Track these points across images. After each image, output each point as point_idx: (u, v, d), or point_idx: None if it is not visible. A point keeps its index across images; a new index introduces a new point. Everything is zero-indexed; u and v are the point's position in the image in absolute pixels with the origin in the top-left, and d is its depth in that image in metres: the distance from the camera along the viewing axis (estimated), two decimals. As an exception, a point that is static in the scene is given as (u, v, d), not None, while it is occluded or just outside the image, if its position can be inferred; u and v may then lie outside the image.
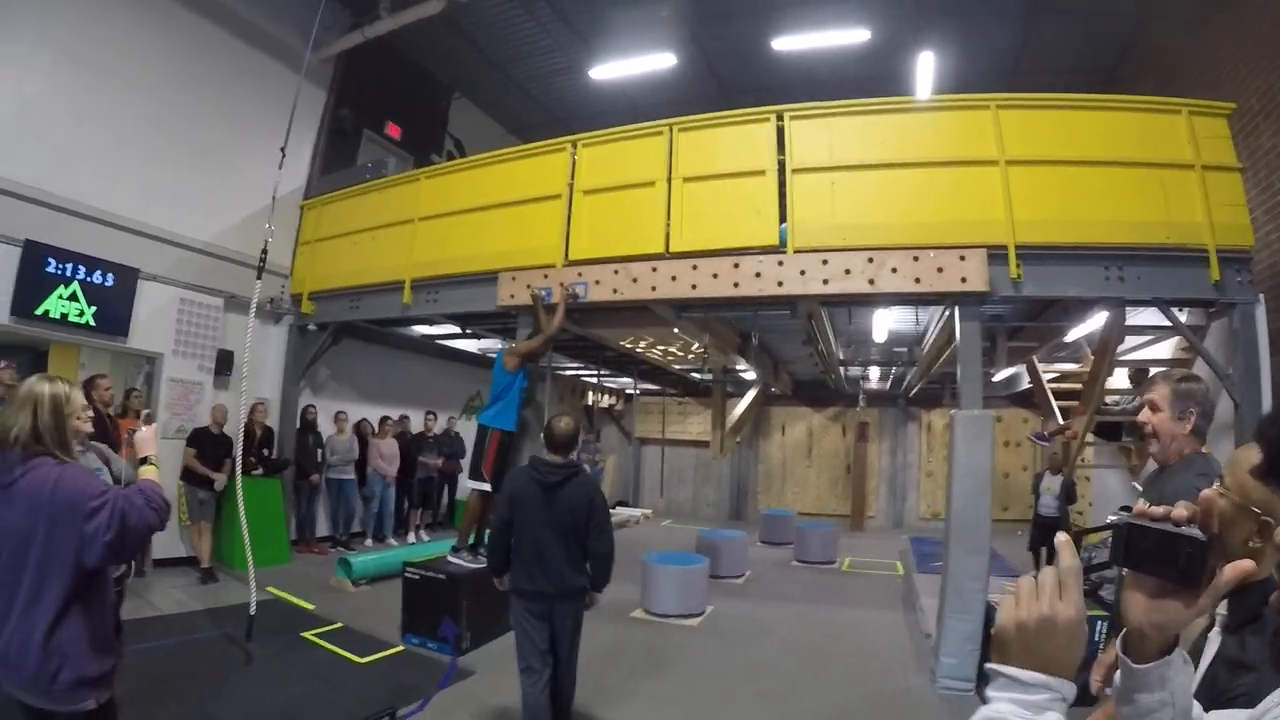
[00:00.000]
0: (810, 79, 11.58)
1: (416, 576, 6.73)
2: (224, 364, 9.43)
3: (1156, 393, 2.78)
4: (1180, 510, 1.06)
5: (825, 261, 6.61)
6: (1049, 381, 10.00)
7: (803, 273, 6.65)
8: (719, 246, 6.98)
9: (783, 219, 6.87)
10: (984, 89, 7.06)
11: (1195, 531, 1.04)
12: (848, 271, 6.54)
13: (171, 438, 8.61)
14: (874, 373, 16.14)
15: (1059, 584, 1.01)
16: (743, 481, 19.10)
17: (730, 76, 12.43)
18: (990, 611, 5.90)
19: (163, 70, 8.75)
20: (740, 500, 18.91)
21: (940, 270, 6.34)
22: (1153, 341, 8.20)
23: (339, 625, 7.04)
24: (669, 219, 7.21)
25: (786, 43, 11.05)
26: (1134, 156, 6.31)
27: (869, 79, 10.54)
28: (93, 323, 7.94)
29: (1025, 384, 11.47)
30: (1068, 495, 10.33)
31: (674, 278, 7.02)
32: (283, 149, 6.71)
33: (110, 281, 8.08)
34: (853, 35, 10.69)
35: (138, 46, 8.48)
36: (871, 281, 6.49)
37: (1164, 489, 2.54)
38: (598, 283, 7.33)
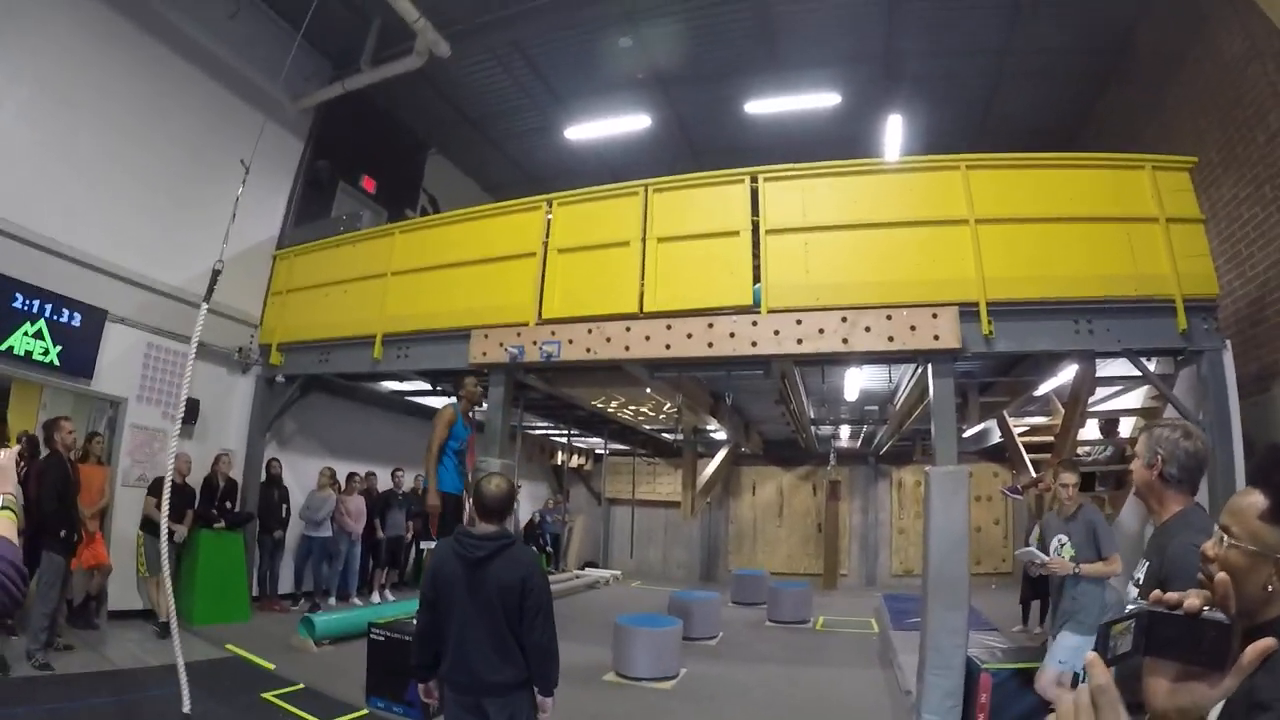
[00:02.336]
0: (783, 141, 11.80)
1: (382, 637, 6.48)
2: (189, 412, 9.16)
3: (1139, 441, 2.73)
4: (1193, 600, 1.05)
5: (799, 321, 6.66)
6: (1020, 435, 10.09)
7: (777, 333, 6.68)
8: (693, 307, 7.01)
9: (757, 279, 6.94)
10: (950, 150, 7.32)
11: (1219, 615, 1.04)
12: (821, 331, 6.59)
13: (132, 485, 8.38)
14: (844, 431, 16.20)
15: (1093, 705, 0.98)
16: (713, 542, 18.92)
17: (703, 138, 12.67)
18: (971, 666, 5.84)
19: (142, 111, 8.69)
20: (711, 561, 18.71)
21: (913, 328, 6.42)
22: (1123, 391, 8.34)
23: (300, 686, 6.72)
24: (643, 279, 7.24)
25: (759, 106, 11.30)
26: (1100, 212, 6.50)
27: (840, 140, 10.77)
28: (57, 362, 7.70)
29: (996, 438, 11.58)
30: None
31: (648, 337, 7.02)
32: (244, 162, 6.57)
33: (77, 321, 7.87)
34: (823, 99, 10.98)
35: (118, 86, 8.41)
36: (845, 341, 6.54)
37: (1165, 551, 2.45)
38: (571, 342, 7.30)
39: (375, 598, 11.26)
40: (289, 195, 10.91)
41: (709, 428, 12.63)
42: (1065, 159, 7.06)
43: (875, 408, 12.53)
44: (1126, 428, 8.50)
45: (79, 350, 7.94)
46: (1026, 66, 10.55)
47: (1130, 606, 1.04)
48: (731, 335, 6.78)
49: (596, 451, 18.85)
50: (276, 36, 10.11)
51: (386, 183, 12.49)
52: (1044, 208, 6.57)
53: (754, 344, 6.71)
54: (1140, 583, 2.50)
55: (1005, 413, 10.05)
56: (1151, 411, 7.67)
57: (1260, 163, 6.87)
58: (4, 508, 1.74)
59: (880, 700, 7.42)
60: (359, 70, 10.05)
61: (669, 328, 6.98)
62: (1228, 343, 6.25)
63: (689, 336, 6.90)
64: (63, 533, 6.60)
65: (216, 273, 6.01)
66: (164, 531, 6.06)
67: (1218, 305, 6.41)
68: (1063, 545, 5.16)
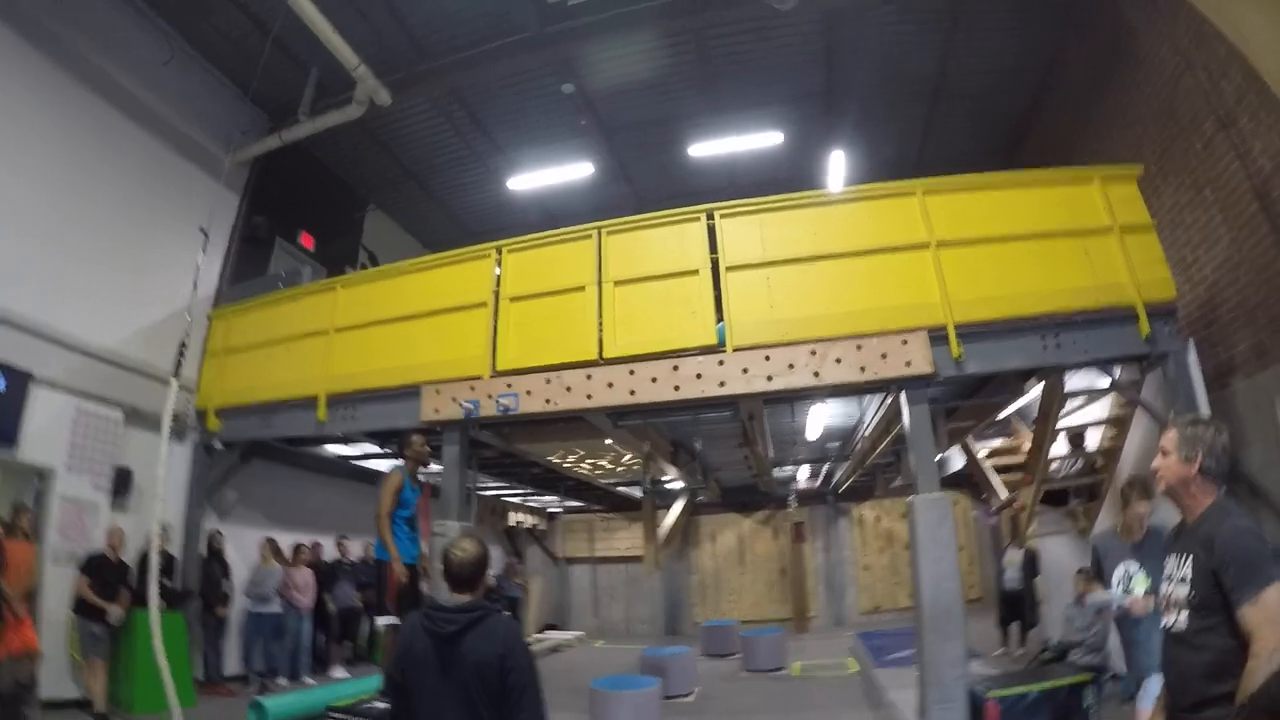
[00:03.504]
0: (728, 183, 11.87)
1: None
2: (122, 483, 8.49)
3: (1166, 438, 2.69)
4: None
5: (768, 358, 6.50)
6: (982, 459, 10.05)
7: (745, 370, 6.50)
8: (656, 350, 6.79)
9: (719, 318, 6.76)
10: (893, 179, 7.26)
11: None
12: (791, 366, 6.44)
13: (63, 563, 7.64)
14: (803, 472, 16.08)
15: None
16: (675, 594, 18.50)
17: (648, 185, 12.61)
18: (975, 696, 5.65)
19: (73, 163, 8.21)
20: (675, 614, 18.25)
21: (884, 356, 6.36)
22: (1088, 403, 8.34)
23: (254, 780, 6.15)
24: (601, 324, 7.00)
25: (702, 149, 11.29)
26: (1056, 227, 6.59)
27: (785, 180, 10.74)
28: None
29: (956, 465, 11.52)
30: (1031, 567, 10.31)
31: (610, 384, 6.76)
32: (203, 229, 6.16)
33: (0, 384, 7.26)
34: (767, 139, 11.02)
35: (49, 137, 7.96)
36: (816, 374, 6.40)
37: (1213, 541, 2.41)
38: (529, 393, 6.99)
39: (335, 673, 10.59)
40: (224, 252, 10.38)
41: (666, 478, 12.32)
42: (1016, 178, 7.14)
43: (837, 444, 12.41)
44: (1094, 440, 8.50)
45: (2, 416, 7.27)
46: (962, 90, 10.79)
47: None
48: (698, 376, 6.57)
49: (550, 510, 18.40)
50: (212, 88, 9.81)
51: (325, 239, 12.08)
52: (1001, 227, 6.66)
53: (722, 384, 6.50)
54: (1185, 579, 2.48)
55: (968, 438, 9.98)
56: (1120, 420, 7.74)
57: (1199, 168, 7.00)
58: None
59: (877, 744, 7.10)
60: (297, 120, 9.73)
61: (632, 373, 6.73)
62: (1191, 342, 6.34)
63: (654, 380, 6.66)
64: None
65: (184, 345, 5.57)
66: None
67: (1177, 308, 6.52)
68: (1132, 577, 4.63)
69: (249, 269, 10.53)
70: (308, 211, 11.85)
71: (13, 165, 7.60)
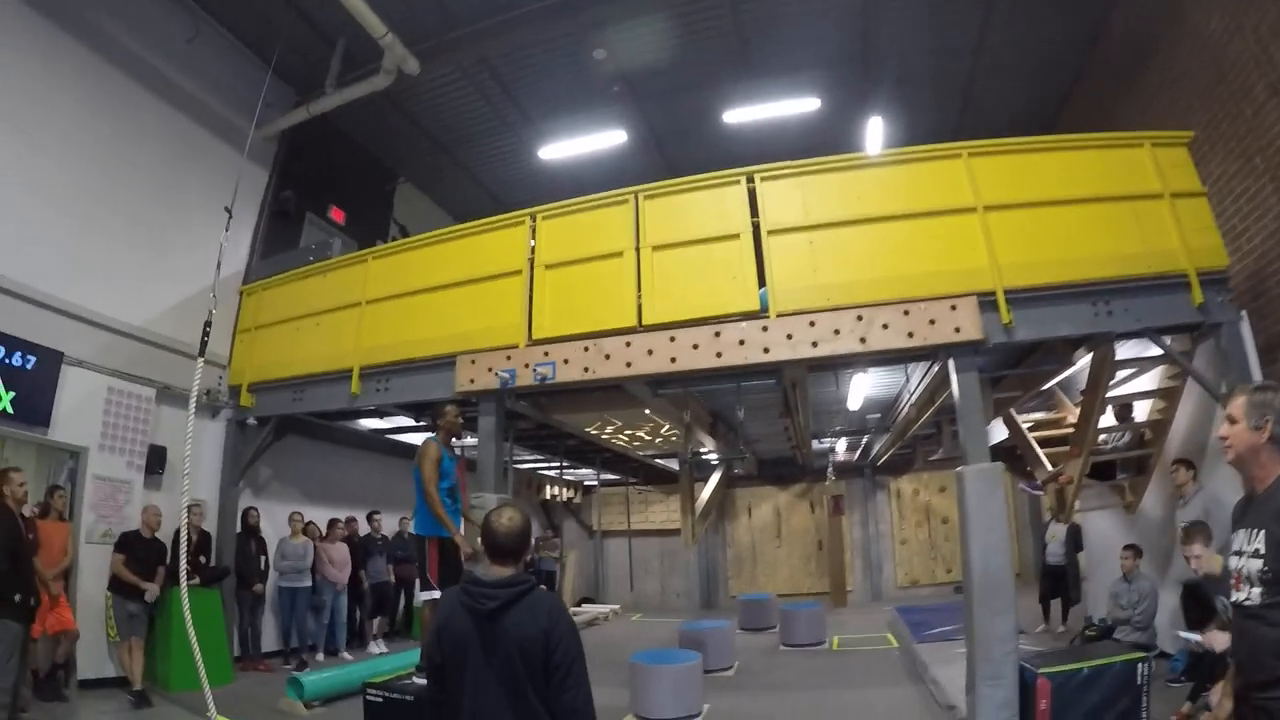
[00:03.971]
0: (761, 151, 11.35)
1: (379, 698, 5.85)
2: (155, 461, 8.51)
3: (1233, 405, 2.63)
4: None
5: (812, 324, 6.31)
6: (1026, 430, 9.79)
7: (790, 336, 6.31)
8: (696, 316, 6.61)
9: (761, 283, 6.57)
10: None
11: None
12: (837, 332, 6.25)
13: (97, 542, 7.66)
14: (841, 444, 15.88)
15: None
16: (712, 568, 18.48)
17: (680, 153, 12.34)
18: (1026, 673, 5.51)
19: (101, 141, 8.16)
20: (710, 587, 18.24)
21: (932, 322, 6.16)
22: (1136, 374, 8.06)
23: (294, 757, 6.12)
24: (640, 290, 6.83)
25: (737, 115, 11.02)
26: (1105, 191, 6.38)
27: (820, 147, 10.27)
28: (10, 410, 7.01)
29: (999, 438, 11.27)
30: (1075, 542, 10.15)
31: (650, 351, 6.59)
32: (228, 208, 6.06)
33: (31, 364, 7.21)
34: (804, 105, 10.73)
35: (76, 114, 7.90)
36: (863, 340, 6.21)
37: (1268, 518, 2.42)
38: (566, 362, 6.84)
39: (373, 648, 10.62)
40: (254, 228, 10.35)
41: (704, 450, 12.17)
42: (1065, 141, 6.91)
43: (878, 415, 12.18)
44: (1142, 412, 8.24)
45: (34, 396, 7.25)
46: (1002, 60, 10.46)
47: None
48: (741, 343, 6.39)
49: (586, 483, 18.34)
50: (237, 63, 9.71)
51: (355, 213, 12.00)
52: (1049, 191, 6.45)
53: (766, 350, 6.32)
54: (1258, 553, 2.42)
55: (1013, 409, 9.72)
56: (1170, 391, 7.50)
57: (1248, 136, 6.77)
58: None
59: (921, 719, 6.97)
60: (324, 93, 9.60)
61: (673, 340, 6.56)
62: (1244, 313, 6.18)
63: (695, 347, 6.48)
64: (17, 597, 5.79)
65: (208, 324, 5.44)
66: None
67: (1229, 277, 6.33)
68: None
69: (279, 244, 10.48)
70: (337, 186, 11.77)
71: (39, 145, 7.57)
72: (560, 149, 11.69)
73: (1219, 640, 4.23)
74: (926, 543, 17.72)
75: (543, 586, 2.87)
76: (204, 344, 5.47)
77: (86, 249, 7.98)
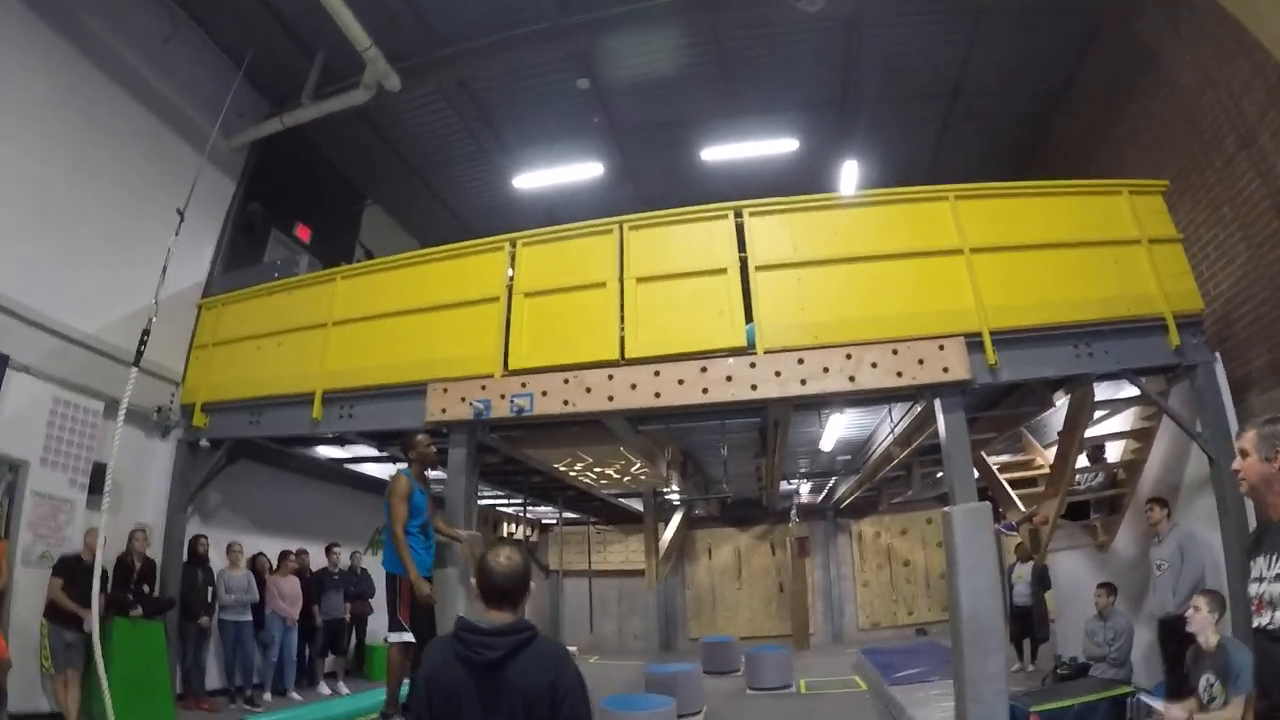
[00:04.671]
0: (737, 191, 11.50)
1: None
2: (100, 480, 7.94)
3: (1244, 439, 2.76)
4: None
5: (801, 361, 6.20)
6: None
7: (778, 374, 6.18)
8: (682, 350, 6.45)
9: (748, 319, 6.46)
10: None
11: None
12: (826, 370, 6.15)
13: (34, 564, 7.12)
14: (805, 487, 15.84)
15: None
16: (671, 609, 18.22)
17: (656, 189, 12.18)
18: (1016, 711, 5.54)
19: (63, 135, 7.73)
20: (670, 629, 17.96)
21: (921, 362, 6.14)
22: (1109, 415, 8.21)
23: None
24: (623, 322, 6.65)
25: (716, 152, 11.01)
26: (1085, 236, 6.55)
27: (794, 188, 10.39)
28: None
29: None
30: (1040, 581, 10.20)
31: (634, 385, 6.39)
32: (180, 210, 5.71)
33: None
34: (782, 145, 10.77)
35: (40, 104, 7.49)
36: (852, 379, 6.12)
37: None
38: (545, 394, 6.59)
39: (323, 688, 10.13)
40: (218, 239, 9.92)
41: (669, 490, 11.97)
42: (1047, 187, 7.06)
43: (848, 456, 12.12)
44: (1114, 452, 8.39)
45: (-27, 402, 6.78)
46: (976, 106, 10.64)
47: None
48: (728, 379, 6.23)
49: (543, 521, 17.99)
50: (213, 68, 9.37)
51: (321, 232, 11.61)
52: (1032, 235, 6.58)
53: (754, 387, 6.17)
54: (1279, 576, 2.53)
55: (983, 452, 9.73)
56: (1144, 431, 7.65)
57: (1217, 185, 7.06)
58: None
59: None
60: (300, 104, 9.32)
61: (657, 374, 6.38)
62: (1218, 354, 6.39)
63: (680, 382, 6.31)
64: None
65: (146, 332, 5.06)
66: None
67: (1204, 320, 6.54)
68: (1213, 685, 4.56)
69: (242, 258, 10.04)
70: (305, 203, 11.39)
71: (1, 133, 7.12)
72: (536, 178, 11.55)
73: (1176, 715, 4.59)
74: (888, 585, 17.69)
75: (545, 636, 2.59)
76: (140, 352, 5.13)
77: (41, 247, 7.49)
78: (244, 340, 8.62)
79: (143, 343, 5.14)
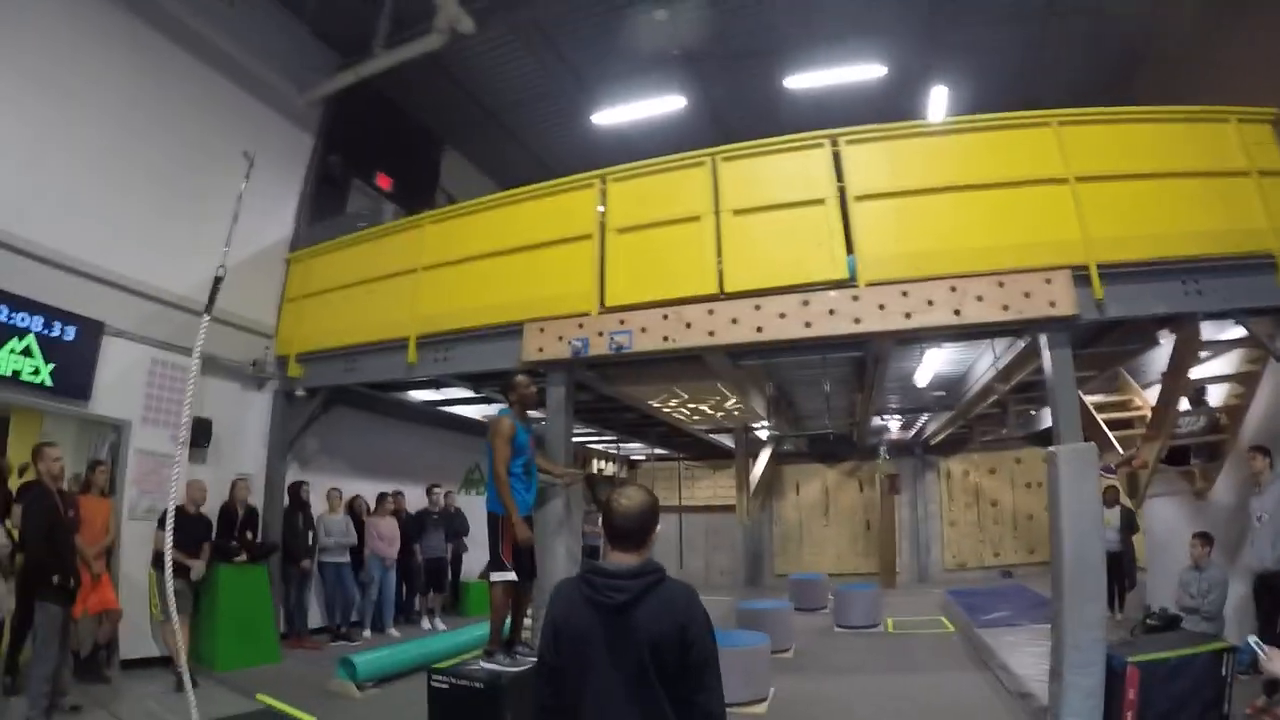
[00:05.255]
0: (822, 121, 11.12)
1: (445, 684, 5.43)
2: (201, 434, 8.33)
3: None
4: None
5: (905, 293, 6.03)
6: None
7: (882, 307, 6.03)
8: (782, 284, 6.34)
9: (849, 250, 6.28)
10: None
11: None
12: (931, 303, 5.97)
13: (140, 518, 7.54)
14: (894, 423, 15.61)
15: None
16: (757, 545, 18.20)
17: (737, 121, 11.87)
18: (1115, 661, 5.40)
19: (142, 107, 7.94)
20: (756, 565, 18.00)
21: (1027, 295, 5.90)
22: (1212, 357, 7.81)
23: (348, 742, 5.90)
24: (720, 256, 6.55)
25: (799, 81, 10.65)
26: (1191, 166, 6.15)
27: (881, 117, 10.10)
28: (50, 383, 6.86)
29: (1044, 424, 10.99)
30: (1129, 526, 9.98)
31: (735, 320, 6.32)
32: (247, 153, 5.77)
33: (71, 336, 7.03)
34: (868, 71, 10.32)
35: (116, 79, 7.67)
36: (957, 312, 5.93)
37: None
38: (644, 330, 6.58)
39: (425, 625, 10.56)
40: (300, 193, 10.12)
41: (760, 425, 11.92)
42: (1151, 113, 6.56)
43: (942, 393, 11.86)
44: (1216, 397, 8.04)
45: (74, 369, 7.09)
46: (1069, 29, 10.06)
47: None
48: (831, 313, 6.11)
49: (632, 458, 18.17)
50: (280, 25, 9.48)
51: (402, 180, 11.70)
52: (1137, 163, 6.19)
53: (857, 320, 6.04)
54: None
55: (1080, 391, 9.41)
56: (1249, 376, 7.36)
57: None
58: None
59: (994, 706, 6.82)
60: (373, 55, 9.28)
61: (758, 308, 6.29)
62: None
63: (781, 316, 6.21)
64: (55, 579, 5.66)
65: (218, 280, 5.15)
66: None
67: None
68: None
69: (325, 211, 10.26)
70: (384, 153, 11.49)
71: (78, 110, 7.34)
72: (615, 114, 11.35)
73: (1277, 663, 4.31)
74: (975, 525, 17.43)
75: (673, 577, 2.55)
76: (212, 299, 5.15)
77: (127, 217, 7.77)
78: (334, 290, 8.82)
79: (215, 289, 5.22)
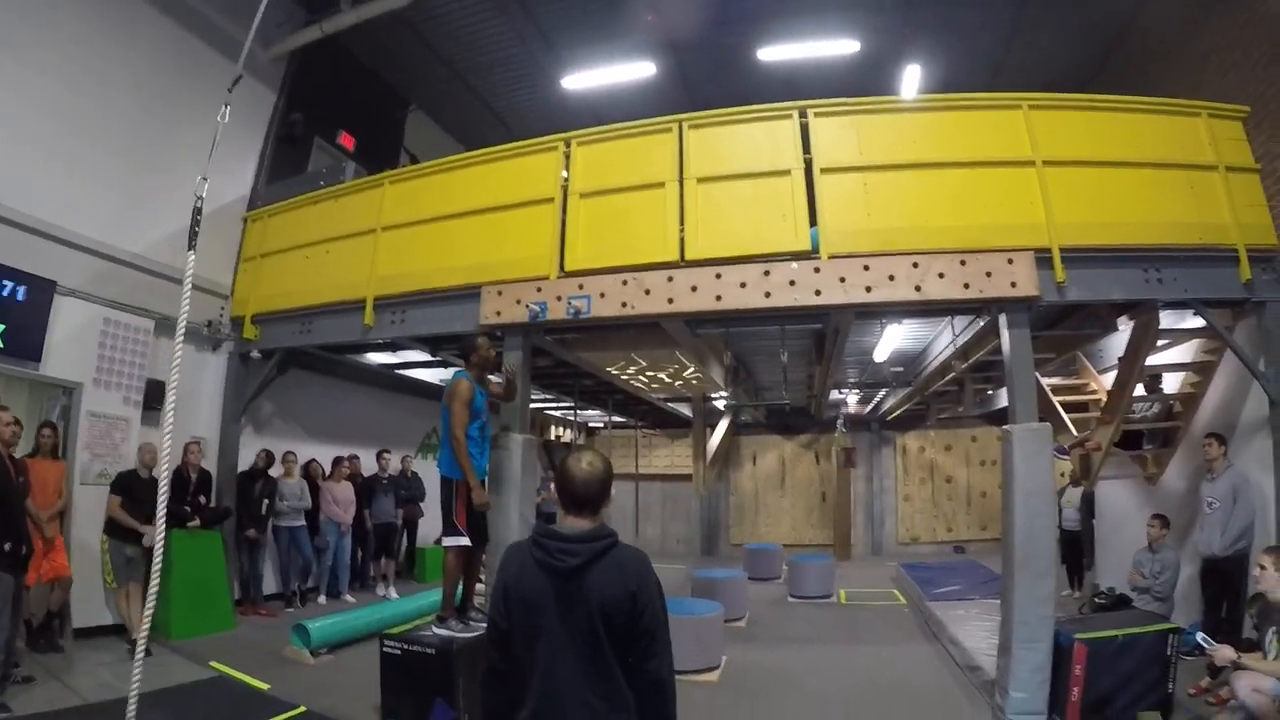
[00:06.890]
0: (794, 94, 11.03)
1: (397, 650, 5.49)
2: (154, 396, 8.07)
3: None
4: None
5: (866, 267, 6.01)
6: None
7: (843, 280, 6.00)
8: (744, 253, 6.27)
9: (812, 223, 6.23)
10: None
11: None
12: (891, 278, 5.96)
13: (92, 483, 7.34)
14: (852, 397, 15.73)
15: None
16: (713, 515, 18.41)
17: (709, 92, 11.72)
18: (1062, 638, 5.55)
19: (95, 56, 7.62)
20: (712, 534, 18.21)
21: (989, 274, 5.93)
22: (1169, 345, 7.97)
23: (301, 710, 5.81)
24: (683, 224, 6.46)
25: (773, 53, 10.55)
26: (1160, 157, 6.26)
27: (854, 93, 10.10)
28: (0, 344, 6.66)
29: (1002, 402, 11.13)
30: (1089, 508, 10.11)
31: (694, 288, 6.26)
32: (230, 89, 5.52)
33: (21, 295, 6.80)
34: (842, 46, 10.28)
35: (67, 28, 7.35)
36: (918, 288, 5.93)
37: None
38: (603, 295, 6.48)
39: (380, 591, 10.51)
40: (260, 152, 9.84)
41: (718, 395, 11.95)
42: (1122, 102, 6.62)
43: (900, 369, 11.94)
44: (1172, 384, 8.15)
45: (25, 329, 6.85)
46: (1043, 16, 10.04)
47: None
48: (791, 283, 6.06)
49: (590, 425, 18.14)
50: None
51: (365, 140, 11.51)
52: (1104, 151, 6.28)
53: (818, 292, 6.01)
54: None
55: (1036, 372, 9.54)
56: (1205, 365, 7.47)
57: None
58: None
59: (942, 678, 6.97)
60: (339, 10, 9.03)
61: (718, 276, 6.22)
62: None
63: (742, 285, 6.15)
64: (7, 545, 5.42)
65: (198, 210, 4.84)
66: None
67: (1276, 256, 6.22)
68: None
69: (286, 169, 10.01)
70: (347, 111, 11.29)
71: (26, 60, 7.02)
72: (584, 79, 11.18)
73: (1227, 655, 4.79)
74: (929, 500, 17.75)
75: (625, 543, 2.53)
76: (193, 233, 4.82)
77: (80, 172, 7.50)
78: (291, 250, 8.61)
79: (195, 223, 4.95)
